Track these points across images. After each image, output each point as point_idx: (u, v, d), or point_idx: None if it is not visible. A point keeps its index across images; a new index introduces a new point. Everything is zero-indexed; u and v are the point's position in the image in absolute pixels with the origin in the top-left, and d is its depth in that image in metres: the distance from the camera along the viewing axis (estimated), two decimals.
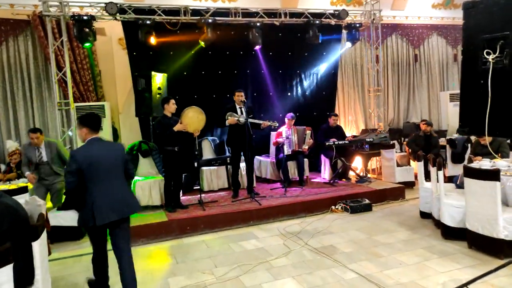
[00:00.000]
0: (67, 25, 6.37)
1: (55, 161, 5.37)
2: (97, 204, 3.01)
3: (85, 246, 4.85)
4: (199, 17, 6.48)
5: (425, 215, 5.16)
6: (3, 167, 6.25)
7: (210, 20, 6.40)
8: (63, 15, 6.05)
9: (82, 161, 2.99)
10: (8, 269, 2.12)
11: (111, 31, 7.13)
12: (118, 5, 6.12)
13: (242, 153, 6.08)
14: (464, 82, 2.39)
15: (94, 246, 3.31)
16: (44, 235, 2.84)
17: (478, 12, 2.19)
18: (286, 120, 6.73)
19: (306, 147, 6.79)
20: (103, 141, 3.24)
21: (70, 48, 6.68)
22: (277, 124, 6.12)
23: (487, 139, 5.30)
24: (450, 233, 4.31)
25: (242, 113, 5.94)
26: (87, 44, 6.24)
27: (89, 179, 3.04)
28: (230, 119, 5.84)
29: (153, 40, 6.31)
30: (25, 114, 6.86)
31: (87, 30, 5.94)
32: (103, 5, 6.08)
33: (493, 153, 4.36)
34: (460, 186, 4.74)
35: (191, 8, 6.59)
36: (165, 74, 6.55)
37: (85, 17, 5.98)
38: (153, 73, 6.21)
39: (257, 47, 6.94)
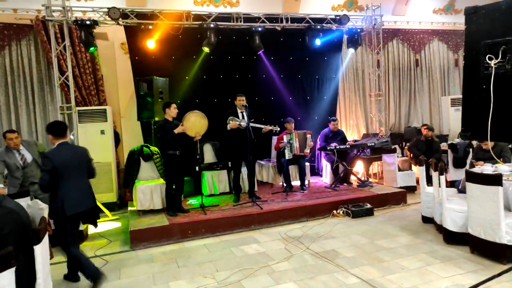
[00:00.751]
0: (69, 30, 6.41)
1: (38, 159, 4.94)
2: (67, 197, 3.57)
3: (87, 250, 4.84)
4: (201, 22, 6.51)
5: (427, 220, 5.14)
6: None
7: (212, 25, 6.43)
8: (66, 20, 6.09)
9: (56, 161, 3.53)
10: (10, 273, 2.12)
11: (114, 36, 7.18)
12: (121, 10, 6.16)
13: (243, 157, 6.09)
14: (466, 87, 2.39)
15: (66, 243, 3.73)
16: (45, 238, 2.84)
17: (480, 18, 2.21)
18: (286, 124, 6.74)
19: (308, 151, 6.79)
20: (70, 145, 3.95)
21: (73, 52, 6.72)
22: (279, 129, 6.13)
23: (489, 144, 5.29)
24: (452, 238, 4.30)
25: (243, 117, 5.95)
26: (91, 49, 6.27)
27: (60, 177, 3.58)
28: (232, 124, 5.85)
29: (155, 45, 6.34)
30: (27, 118, 6.88)
31: (91, 35, 5.98)
32: (106, 10, 6.12)
33: (495, 157, 4.35)
34: (462, 191, 4.73)
35: (193, 13, 6.62)
36: (167, 79, 6.58)
37: (87, 22, 6.02)
38: (154, 77, 6.24)
39: (260, 52, 6.97)
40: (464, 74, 2.42)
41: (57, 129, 3.73)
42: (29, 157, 4.94)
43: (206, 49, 6.62)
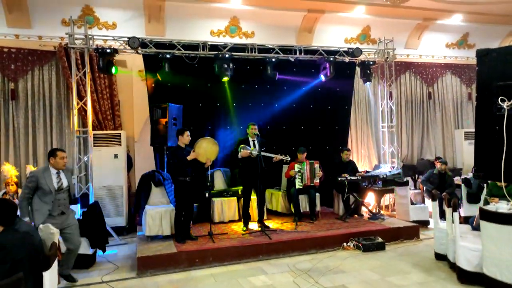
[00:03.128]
0: (90, 57, 6.65)
1: (73, 187, 4.76)
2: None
3: (94, 275, 4.83)
4: (216, 52, 6.69)
5: (440, 257, 5.00)
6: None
7: (227, 55, 6.60)
8: (87, 48, 6.33)
9: None
10: None
11: (132, 63, 7.41)
12: (140, 40, 6.39)
13: (253, 185, 6.08)
14: (479, 127, 2.40)
15: None
16: (55, 264, 2.85)
17: (492, 60, 2.24)
18: (298, 154, 6.75)
19: (318, 181, 6.75)
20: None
21: (92, 78, 6.94)
22: (289, 158, 6.14)
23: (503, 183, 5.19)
24: (467, 277, 4.16)
25: (255, 145, 6.00)
26: (114, 71, 6.51)
27: None
28: (243, 152, 5.90)
29: (171, 73, 6.51)
30: (44, 141, 7.04)
31: (111, 62, 6.21)
32: (126, 39, 6.35)
33: (508, 197, 4.25)
34: (476, 228, 4.61)
35: (209, 43, 6.82)
36: (181, 105, 6.71)
37: (108, 50, 6.25)
38: (169, 104, 6.38)
39: (276, 77, 7.06)
40: (477, 113, 2.43)
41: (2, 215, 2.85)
42: (65, 182, 4.47)
43: (225, 79, 6.74)
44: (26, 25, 6.90)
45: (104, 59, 6.25)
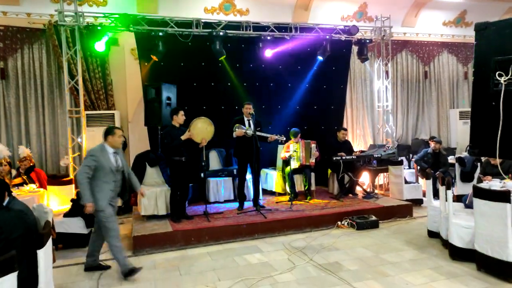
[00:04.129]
0: (81, 35, 6.49)
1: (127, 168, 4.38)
2: None
3: None
4: (210, 30, 6.56)
5: (433, 234, 5.07)
6: (14, 172, 6.31)
7: (221, 33, 6.47)
8: (78, 25, 6.17)
9: None
10: (12, 277, 2.13)
11: (124, 41, 7.25)
12: (132, 17, 6.23)
13: (248, 165, 6.08)
14: (475, 104, 2.37)
15: None
16: (49, 242, 2.85)
17: (490, 34, 2.19)
18: (291, 136, 6.72)
19: (313, 161, 6.76)
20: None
21: (83, 57, 6.80)
22: (284, 138, 6.11)
23: (497, 160, 5.22)
24: (458, 254, 4.23)
25: (250, 125, 5.95)
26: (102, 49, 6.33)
27: None
28: (238, 131, 5.85)
29: (165, 51, 6.38)
30: (36, 121, 6.96)
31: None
32: (117, 16, 6.19)
33: (502, 174, 4.28)
34: (469, 206, 4.66)
35: (203, 21, 6.67)
36: (175, 85, 6.62)
37: (99, 28, 6.09)
38: (163, 83, 6.28)
39: (268, 57, 6.97)
40: (473, 90, 2.40)
41: None
42: (120, 163, 4.15)
43: (222, 57, 6.62)
44: (14, 1, 6.70)
45: (95, 37, 6.10)
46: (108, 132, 4.10)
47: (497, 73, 2.15)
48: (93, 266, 4.29)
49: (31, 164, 6.16)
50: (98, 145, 4.12)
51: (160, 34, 6.25)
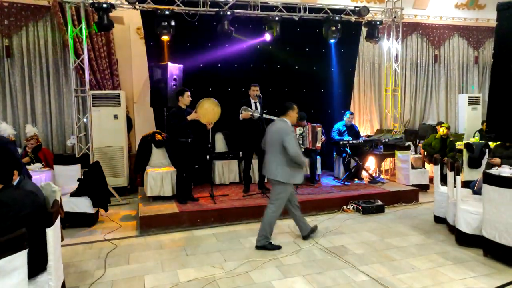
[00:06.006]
0: (86, 13, 6.38)
1: None
2: None
3: (96, 233, 4.90)
4: (217, 9, 6.42)
5: (439, 220, 5.06)
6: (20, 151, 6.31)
7: (228, 12, 6.34)
8: (83, 2, 6.06)
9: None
10: (23, 255, 2.13)
11: (130, 20, 7.14)
12: None
13: (254, 148, 6.04)
14: (493, 87, 2.29)
15: None
16: (58, 221, 2.85)
17: None
18: (299, 117, 6.64)
19: (319, 145, 6.71)
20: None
21: (89, 36, 6.70)
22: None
23: None
24: (465, 240, 4.21)
25: (256, 107, 5.89)
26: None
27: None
28: (244, 114, 5.79)
29: (171, 31, 6.27)
30: (42, 100, 6.93)
31: (107, 18, 5.93)
32: None
33: None
34: (477, 192, 4.62)
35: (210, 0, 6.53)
36: (181, 65, 6.53)
37: (104, 5, 5.97)
38: (169, 63, 6.20)
39: (275, 38, 6.84)
40: (492, 73, 2.32)
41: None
42: None
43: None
44: None
45: (100, 15, 5.98)
46: (289, 107, 4.30)
47: None
48: (311, 230, 4.58)
49: (38, 143, 6.16)
50: (286, 122, 4.26)
51: (167, 12, 6.12)
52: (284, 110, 4.30)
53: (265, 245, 4.24)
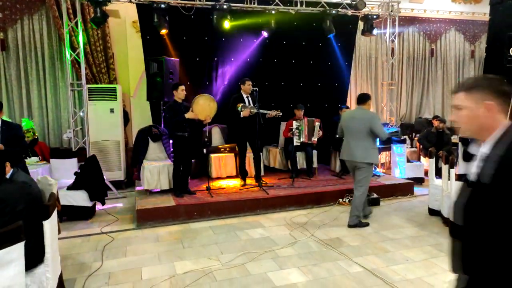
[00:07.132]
0: (81, 6, 6.34)
1: None
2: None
3: (94, 226, 4.92)
4: (214, 2, 6.40)
5: (433, 212, 5.11)
6: None
7: (225, 6, 6.32)
8: None
9: None
10: (20, 247, 2.15)
11: (125, 14, 7.10)
12: None
13: (250, 142, 6.06)
14: None
15: None
16: (54, 214, 2.87)
17: (506, 8, 2.12)
18: (296, 111, 6.67)
19: (316, 139, 6.74)
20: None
21: (84, 29, 6.67)
22: (281, 114, 6.06)
23: None
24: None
25: (249, 102, 5.90)
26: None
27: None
28: (245, 112, 5.75)
29: (167, 24, 6.25)
30: (38, 94, 6.90)
31: (100, 13, 5.89)
32: None
33: None
34: None
35: None
36: (178, 59, 6.52)
37: None
38: (165, 57, 6.18)
39: (267, 35, 6.83)
40: (485, 65, 2.35)
41: None
42: None
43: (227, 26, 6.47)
44: None
45: (96, 8, 5.95)
46: (369, 98, 4.82)
47: (510, 49, 2.09)
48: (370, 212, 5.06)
49: (35, 137, 6.15)
50: (366, 110, 4.72)
51: (162, 6, 6.10)
52: (364, 99, 4.75)
53: (358, 223, 4.68)
